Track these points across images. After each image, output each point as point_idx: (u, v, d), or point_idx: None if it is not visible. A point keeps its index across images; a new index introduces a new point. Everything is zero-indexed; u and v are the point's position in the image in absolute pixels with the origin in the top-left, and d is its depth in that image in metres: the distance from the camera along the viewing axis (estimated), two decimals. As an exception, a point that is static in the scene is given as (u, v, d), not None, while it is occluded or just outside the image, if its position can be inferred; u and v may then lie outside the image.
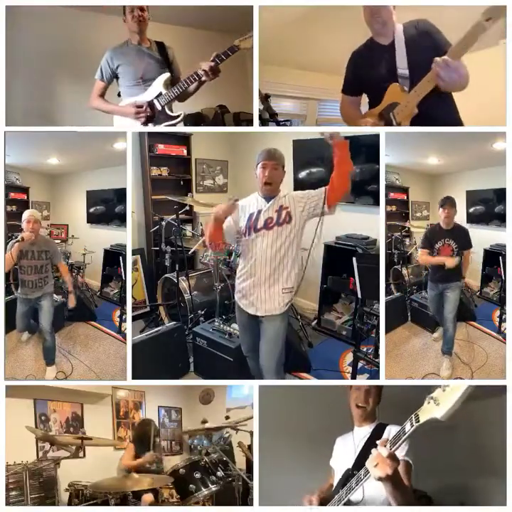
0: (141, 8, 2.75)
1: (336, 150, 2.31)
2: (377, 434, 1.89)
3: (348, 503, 1.77)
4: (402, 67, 2.09)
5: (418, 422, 1.40)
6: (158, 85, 2.82)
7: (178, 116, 2.86)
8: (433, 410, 1.35)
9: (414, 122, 2.22)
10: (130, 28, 2.82)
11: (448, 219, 3.12)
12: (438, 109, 2.19)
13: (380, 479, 1.49)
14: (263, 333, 2.57)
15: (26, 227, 3.02)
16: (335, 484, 1.95)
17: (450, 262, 3.11)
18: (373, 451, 1.52)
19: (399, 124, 2.19)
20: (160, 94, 2.81)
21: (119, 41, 2.90)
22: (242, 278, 2.59)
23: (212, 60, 2.64)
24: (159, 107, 2.82)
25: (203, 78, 2.70)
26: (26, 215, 3.07)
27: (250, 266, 2.51)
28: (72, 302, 3.33)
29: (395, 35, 2.09)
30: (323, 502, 1.92)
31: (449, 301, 3.17)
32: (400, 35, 2.07)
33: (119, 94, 2.93)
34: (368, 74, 2.27)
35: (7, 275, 2.96)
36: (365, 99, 2.52)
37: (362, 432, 1.97)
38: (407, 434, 1.45)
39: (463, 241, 3.18)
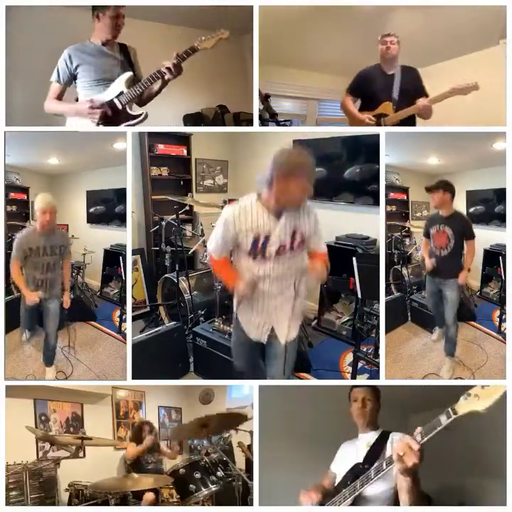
0: (123, 15, 2.65)
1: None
2: (381, 441, 1.95)
3: (360, 496, 1.80)
4: (395, 93, 3.02)
5: (456, 414, 1.47)
6: (119, 84, 2.70)
7: (140, 114, 2.72)
8: (473, 404, 1.44)
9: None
10: (103, 29, 2.68)
11: (438, 204, 3.03)
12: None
13: (404, 471, 1.50)
14: (272, 348, 2.33)
15: (42, 218, 2.76)
16: (338, 482, 1.98)
17: (427, 262, 3.14)
18: (399, 441, 1.53)
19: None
20: (121, 93, 2.69)
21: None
22: (247, 308, 2.32)
23: (174, 58, 2.59)
24: (120, 106, 2.68)
25: (167, 76, 2.61)
26: (42, 203, 2.77)
27: (259, 297, 2.24)
28: (66, 303, 3.13)
29: (396, 70, 3.05)
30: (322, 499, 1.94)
31: (449, 303, 3.09)
32: (399, 72, 3.05)
33: (77, 99, 2.77)
34: (370, 88, 3.10)
35: (7, 275, 2.95)
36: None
37: (366, 438, 2.02)
38: (443, 426, 1.49)
39: (461, 229, 3.02)
